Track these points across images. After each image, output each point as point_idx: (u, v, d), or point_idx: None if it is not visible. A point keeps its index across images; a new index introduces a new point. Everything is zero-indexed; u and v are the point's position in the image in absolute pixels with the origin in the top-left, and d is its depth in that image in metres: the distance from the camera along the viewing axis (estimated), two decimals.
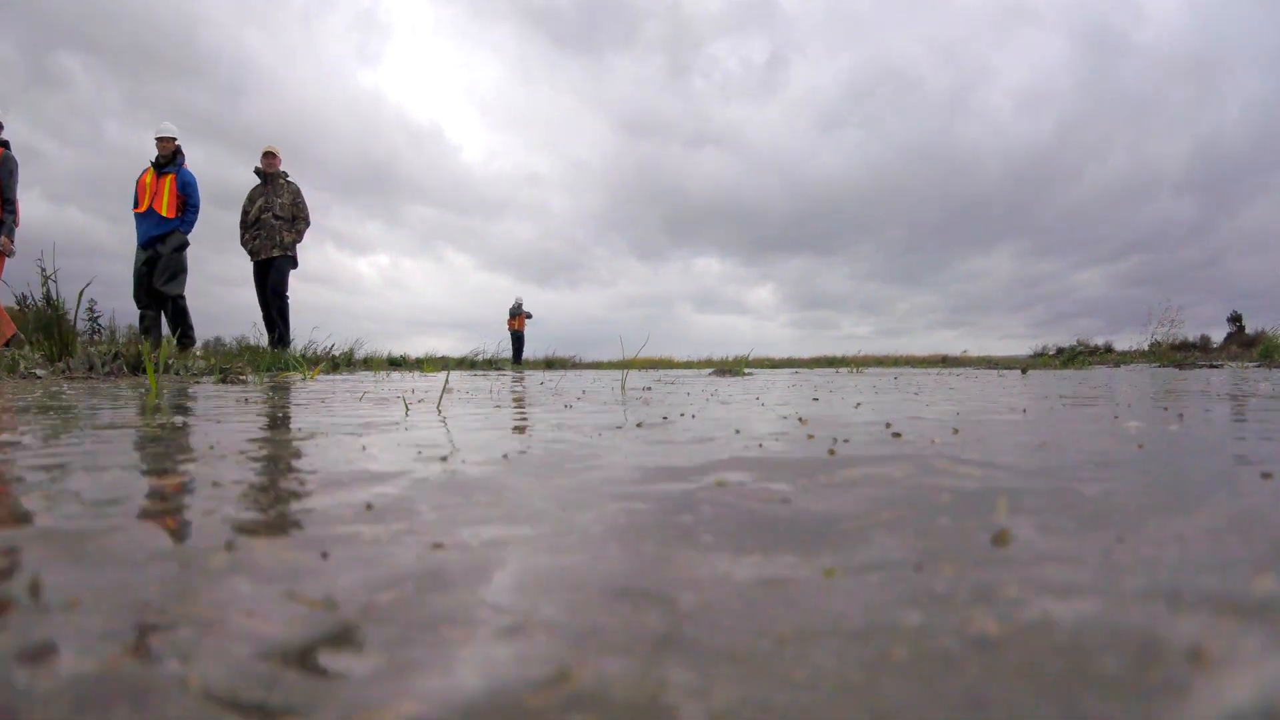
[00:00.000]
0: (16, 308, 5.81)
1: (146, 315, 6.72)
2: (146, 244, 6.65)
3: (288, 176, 7.67)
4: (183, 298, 6.83)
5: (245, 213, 7.56)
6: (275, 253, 7.47)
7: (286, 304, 7.73)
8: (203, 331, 7.98)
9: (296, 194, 7.60)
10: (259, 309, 7.71)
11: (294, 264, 7.75)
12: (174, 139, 6.71)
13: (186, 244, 6.77)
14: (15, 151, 6.02)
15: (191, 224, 6.82)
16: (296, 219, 7.58)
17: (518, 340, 17.71)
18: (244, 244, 7.56)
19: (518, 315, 17.78)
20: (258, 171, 7.63)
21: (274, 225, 7.49)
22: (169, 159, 6.66)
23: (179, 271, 6.71)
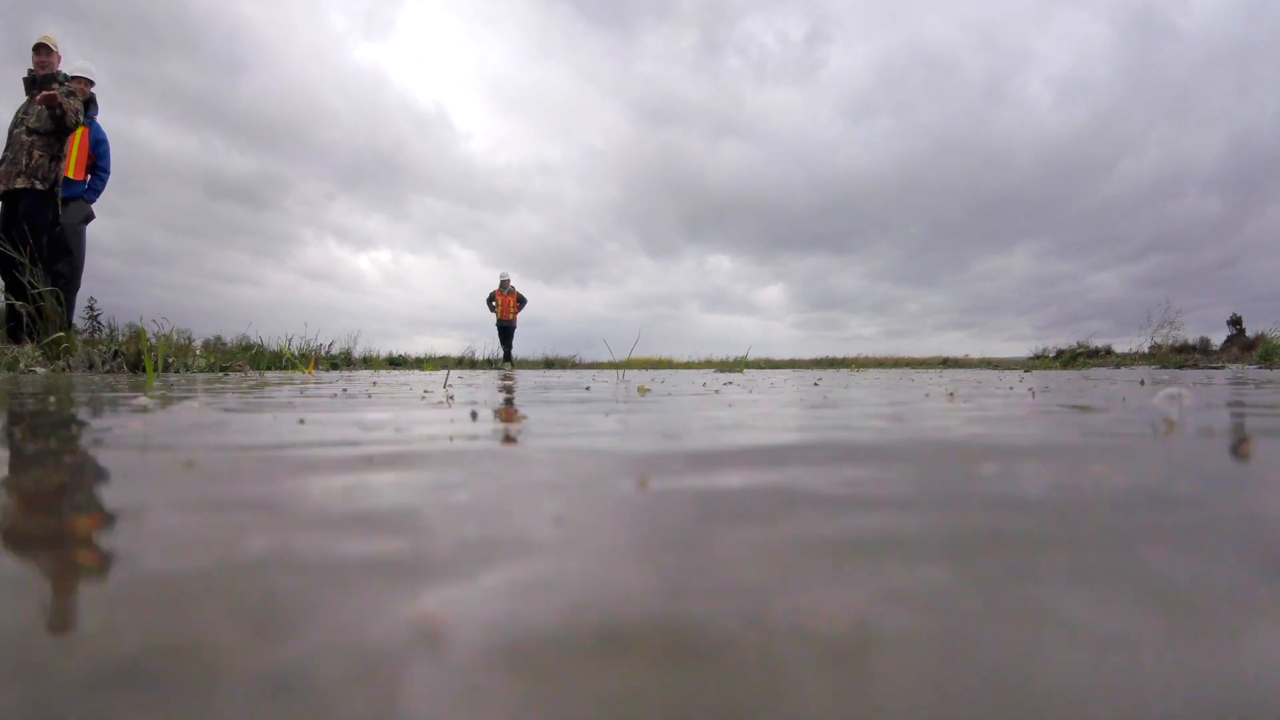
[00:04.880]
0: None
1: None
2: None
3: (69, 78, 5.24)
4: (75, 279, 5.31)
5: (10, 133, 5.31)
6: (19, 182, 4.91)
7: (59, 261, 5.02)
8: (202, 330, 7.93)
9: (69, 96, 5.01)
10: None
11: (77, 211, 5.17)
12: (92, 81, 5.40)
13: (92, 216, 5.46)
14: None
15: (99, 192, 5.43)
16: (62, 129, 5.01)
17: (506, 332, 13.77)
18: None
19: (510, 294, 13.56)
20: (29, 80, 5.19)
21: (23, 142, 4.96)
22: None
23: (76, 253, 5.30)
